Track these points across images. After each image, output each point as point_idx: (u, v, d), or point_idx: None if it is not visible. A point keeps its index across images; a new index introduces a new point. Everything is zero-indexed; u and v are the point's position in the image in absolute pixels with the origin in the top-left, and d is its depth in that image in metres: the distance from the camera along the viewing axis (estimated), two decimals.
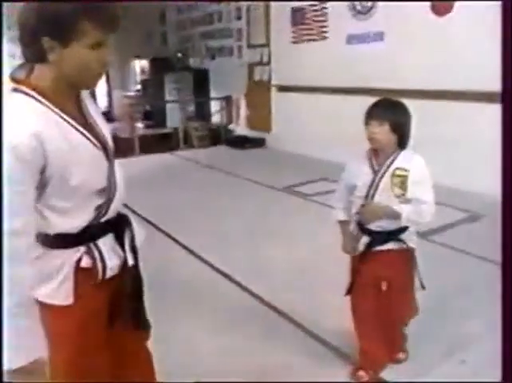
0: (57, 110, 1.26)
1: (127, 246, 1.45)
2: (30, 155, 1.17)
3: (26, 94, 1.23)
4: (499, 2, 4.47)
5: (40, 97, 1.24)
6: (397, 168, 1.98)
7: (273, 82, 7.90)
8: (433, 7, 5.24)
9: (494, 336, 2.46)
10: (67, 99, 1.31)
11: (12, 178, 1.15)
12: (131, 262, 1.46)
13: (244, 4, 8.40)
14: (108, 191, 1.37)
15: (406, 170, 1.97)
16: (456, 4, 4.99)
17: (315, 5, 6.80)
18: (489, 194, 4.50)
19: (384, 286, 2.09)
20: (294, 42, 7.31)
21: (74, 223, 1.32)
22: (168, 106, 9.70)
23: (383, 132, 1.98)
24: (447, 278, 3.02)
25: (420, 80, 5.25)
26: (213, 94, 9.73)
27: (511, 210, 1.89)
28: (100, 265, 1.37)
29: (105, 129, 1.41)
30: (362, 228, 2.09)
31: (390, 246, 2.06)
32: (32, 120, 1.19)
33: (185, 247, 3.88)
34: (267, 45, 7.94)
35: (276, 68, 7.87)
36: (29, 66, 1.28)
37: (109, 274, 1.40)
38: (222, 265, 3.49)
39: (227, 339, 2.59)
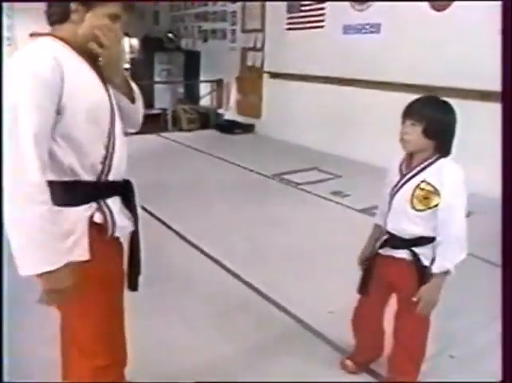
0: (76, 53, 1.40)
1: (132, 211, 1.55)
2: (51, 74, 1.28)
3: (52, 40, 1.39)
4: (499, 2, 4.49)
5: (63, 42, 1.39)
6: (424, 181, 1.77)
7: (266, 68, 7.85)
8: (431, 3, 5.23)
9: (483, 332, 2.52)
10: (87, 55, 1.44)
11: (34, 98, 1.25)
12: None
13: None
14: (108, 145, 1.45)
15: (433, 186, 1.75)
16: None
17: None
18: (477, 192, 4.56)
19: (391, 293, 2.01)
20: (289, 29, 7.25)
21: (85, 160, 1.39)
22: (157, 86, 9.56)
23: (414, 133, 1.74)
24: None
25: (415, 74, 5.26)
26: (203, 77, 9.63)
27: (511, 210, 1.89)
28: (110, 221, 1.45)
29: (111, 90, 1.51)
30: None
31: (403, 255, 1.88)
32: (53, 48, 1.35)
33: (173, 230, 3.86)
34: (262, 30, 7.87)
35: (269, 54, 7.81)
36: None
37: (119, 233, 1.50)
38: (210, 250, 3.49)
39: (220, 329, 2.58)
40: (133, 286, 1.64)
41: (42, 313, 1.58)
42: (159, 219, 4.06)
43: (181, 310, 2.71)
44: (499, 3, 4.51)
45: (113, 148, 1.46)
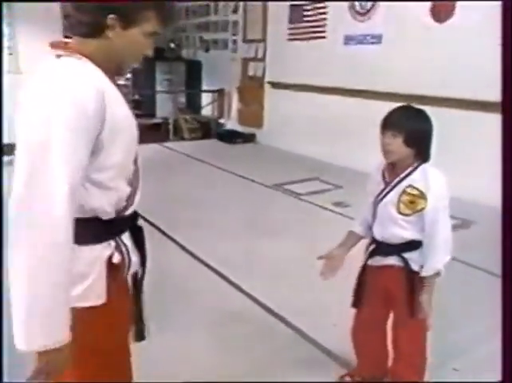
0: (107, 78, 1.25)
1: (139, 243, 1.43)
2: (94, 109, 1.13)
3: (79, 59, 1.22)
4: (500, 10, 4.50)
5: (92, 63, 1.24)
6: (410, 186, 1.81)
7: (267, 78, 7.87)
8: (433, 13, 5.25)
9: (485, 344, 2.49)
10: (111, 74, 1.31)
11: (75, 130, 1.10)
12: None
13: None
14: (133, 180, 1.34)
15: (419, 190, 1.80)
16: (456, 11, 5.01)
17: (314, 4, 6.78)
18: (479, 202, 4.55)
19: (385, 302, 2.00)
20: (291, 39, 7.28)
21: (111, 200, 1.26)
22: (158, 96, 9.59)
23: (396, 144, 1.78)
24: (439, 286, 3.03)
25: (416, 85, 5.26)
26: (205, 87, 9.65)
27: (511, 220, 1.88)
28: (127, 259, 1.34)
29: None
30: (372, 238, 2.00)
31: (392, 261, 1.92)
32: (94, 76, 1.20)
33: (172, 240, 3.84)
34: (263, 40, 7.90)
35: (270, 64, 7.83)
36: (62, 42, 1.28)
37: (132, 270, 1.39)
38: (210, 259, 3.47)
39: (217, 339, 2.56)
40: (139, 336, 1.51)
41: None
42: (157, 228, 4.04)
43: (177, 320, 2.69)
44: (500, 13, 4.54)
45: (137, 182, 1.36)
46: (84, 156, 1.13)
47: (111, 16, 1.21)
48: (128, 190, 1.32)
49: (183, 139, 8.50)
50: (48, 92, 1.11)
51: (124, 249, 1.33)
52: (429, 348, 2.02)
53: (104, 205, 1.25)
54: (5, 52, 6.79)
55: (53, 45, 1.26)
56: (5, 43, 6.73)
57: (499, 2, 4.53)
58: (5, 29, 6.68)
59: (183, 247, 3.74)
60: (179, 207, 4.63)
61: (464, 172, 4.81)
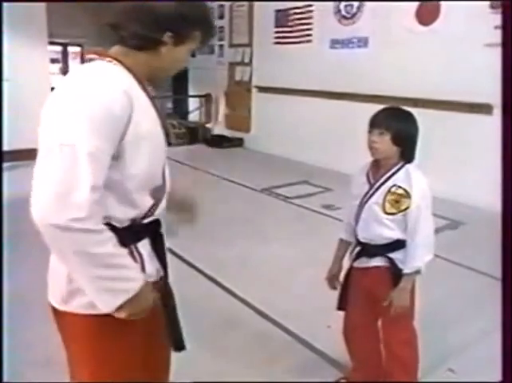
0: (141, 87, 1.27)
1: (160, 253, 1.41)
2: (120, 111, 1.14)
3: (109, 61, 1.25)
4: (486, 13, 4.56)
5: (129, 72, 1.25)
6: (394, 185, 1.85)
7: (254, 83, 7.89)
8: (417, 16, 5.30)
9: (480, 345, 2.50)
10: (146, 84, 1.33)
11: (100, 133, 1.10)
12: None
13: (227, 3, 8.35)
14: (157, 193, 1.33)
15: (404, 189, 1.83)
16: (441, 14, 5.06)
17: (300, 8, 6.81)
18: (466, 203, 4.59)
19: (372, 303, 2.00)
20: (277, 43, 7.30)
21: (129, 212, 1.26)
22: None
23: (383, 142, 1.83)
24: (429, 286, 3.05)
25: (402, 88, 5.30)
26: (192, 92, 9.64)
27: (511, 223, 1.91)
28: (140, 268, 1.30)
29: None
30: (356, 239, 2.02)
31: (378, 262, 1.94)
32: (123, 80, 1.21)
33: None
34: (249, 45, 7.91)
35: (257, 68, 7.85)
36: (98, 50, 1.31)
37: (148, 280, 1.32)
38: (201, 264, 3.46)
39: (213, 344, 2.54)
40: (178, 345, 1.50)
41: (42, 313, 1.54)
42: None
43: None
44: (484, 17, 4.60)
45: (162, 195, 1.35)
46: (108, 157, 1.13)
47: (168, 34, 1.27)
48: (149, 203, 1.30)
49: (170, 144, 8.41)
50: (76, 94, 1.13)
51: (137, 256, 1.30)
52: (423, 349, 2.03)
53: (120, 215, 1.24)
54: None
55: (88, 52, 1.31)
56: None
57: (484, 3, 4.60)
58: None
59: (172, 252, 3.70)
60: (167, 213, 4.59)
61: (452, 174, 4.86)
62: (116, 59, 1.25)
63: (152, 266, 1.36)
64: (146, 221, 1.32)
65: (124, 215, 1.25)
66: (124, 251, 1.22)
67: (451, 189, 4.61)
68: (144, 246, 1.33)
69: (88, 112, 1.10)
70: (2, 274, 1.14)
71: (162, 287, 1.43)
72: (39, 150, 1.11)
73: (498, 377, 1.68)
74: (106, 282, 1.17)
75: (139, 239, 1.32)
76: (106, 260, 1.15)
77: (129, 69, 1.25)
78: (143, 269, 1.31)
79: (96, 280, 1.16)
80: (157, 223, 1.38)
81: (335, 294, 2.14)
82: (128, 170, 1.19)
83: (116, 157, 1.16)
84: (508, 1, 2.51)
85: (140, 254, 1.31)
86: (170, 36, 1.27)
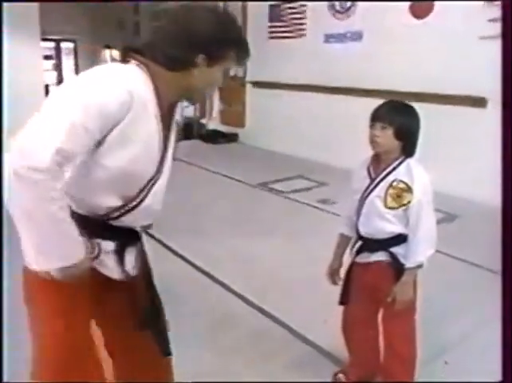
0: (155, 100, 1.27)
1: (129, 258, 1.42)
2: (116, 106, 1.17)
3: (142, 70, 1.28)
4: (480, 6, 4.56)
5: (151, 80, 1.27)
6: (396, 180, 1.84)
7: (248, 78, 7.86)
8: (411, 10, 5.30)
9: (476, 337, 2.52)
10: (166, 105, 1.33)
11: (90, 115, 1.14)
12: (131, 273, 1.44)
13: None
14: (132, 202, 1.34)
15: (405, 184, 1.83)
16: (435, 7, 5.06)
17: (293, 2, 6.79)
18: (460, 196, 4.60)
19: (374, 298, 2.00)
20: (271, 38, 7.28)
21: (89, 200, 1.29)
22: None
23: (385, 136, 1.82)
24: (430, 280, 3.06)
25: (397, 81, 5.29)
26: None
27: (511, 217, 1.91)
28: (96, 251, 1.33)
29: (171, 150, 1.42)
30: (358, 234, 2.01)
31: (379, 257, 1.94)
32: (137, 82, 1.24)
33: (159, 241, 3.81)
34: None
35: (251, 63, 7.80)
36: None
37: (103, 270, 1.37)
38: (197, 260, 3.45)
39: (210, 341, 2.54)
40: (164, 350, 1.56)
41: None
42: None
43: (170, 323, 2.66)
44: (479, 10, 4.60)
45: (134, 207, 1.35)
46: (88, 138, 1.16)
47: (201, 56, 1.28)
48: (112, 204, 1.32)
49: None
50: (85, 81, 1.21)
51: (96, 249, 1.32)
52: (420, 341, 2.03)
53: (81, 201, 1.29)
54: None
55: (126, 55, 1.31)
56: None
57: None
58: None
59: (167, 248, 3.71)
60: (163, 209, 4.58)
61: (449, 168, 4.86)
62: (147, 66, 1.28)
63: (109, 261, 1.38)
64: (114, 224, 1.34)
65: (85, 202, 1.29)
66: (73, 224, 1.21)
67: (448, 183, 4.63)
68: (107, 247, 1.36)
69: (86, 96, 1.16)
70: (2, 273, 1.14)
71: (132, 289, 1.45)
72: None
73: (494, 369, 1.69)
74: (46, 243, 1.17)
75: (102, 238, 1.34)
76: (54, 220, 1.15)
77: (153, 79, 1.27)
78: (98, 252, 1.34)
79: (38, 237, 1.16)
80: (130, 233, 1.41)
81: (332, 289, 2.14)
82: (102, 159, 1.23)
83: (97, 144, 1.20)
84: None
85: (98, 244, 1.34)
86: (203, 58, 1.28)
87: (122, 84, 1.20)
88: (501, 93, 2.29)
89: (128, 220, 1.37)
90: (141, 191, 1.35)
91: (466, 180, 4.64)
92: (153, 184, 1.37)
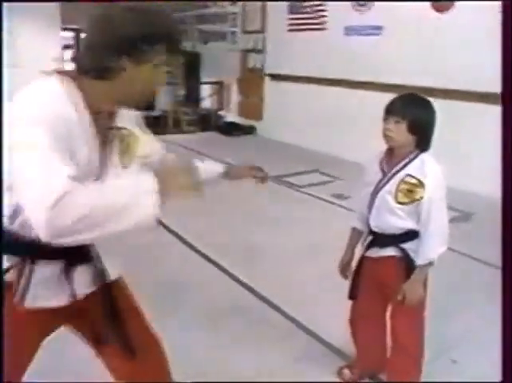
0: (86, 113, 1.21)
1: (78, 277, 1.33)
2: (57, 131, 1.11)
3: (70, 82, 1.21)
4: (499, 2, 4.47)
5: (79, 93, 1.21)
6: (408, 175, 1.81)
7: (267, 70, 7.84)
8: (433, 4, 5.22)
9: (483, 335, 2.49)
10: (104, 114, 1.27)
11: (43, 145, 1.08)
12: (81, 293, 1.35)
13: None
14: None
15: (417, 179, 1.80)
16: (457, 1, 4.98)
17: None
18: (479, 193, 4.54)
19: (383, 293, 2.00)
20: (290, 31, 7.23)
21: (21, 223, 1.21)
22: None
23: (399, 131, 1.79)
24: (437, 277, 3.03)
25: (416, 76, 5.23)
26: (204, 79, 9.61)
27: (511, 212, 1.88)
28: (22, 284, 1.25)
29: (115, 164, 1.32)
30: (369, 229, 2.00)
31: (391, 252, 1.91)
32: (61, 100, 1.17)
33: (170, 230, 3.84)
34: (262, 32, 7.85)
35: (270, 56, 7.79)
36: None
37: (30, 303, 1.27)
38: (209, 250, 3.48)
39: (217, 331, 2.55)
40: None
41: None
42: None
43: (176, 313, 2.68)
44: (500, 5, 4.51)
45: None
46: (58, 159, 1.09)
47: (125, 58, 1.20)
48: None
49: (182, 131, 8.47)
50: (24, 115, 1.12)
51: (25, 275, 1.25)
52: (426, 339, 2.02)
53: (19, 224, 1.21)
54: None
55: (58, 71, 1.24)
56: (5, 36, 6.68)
57: None
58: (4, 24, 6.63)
59: (179, 237, 3.73)
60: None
61: (466, 164, 4.80)
62: (74, 79, 1.21)
63: (45, 290, 1.29)
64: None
65: (19, 224, 1.21)
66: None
67: (461, 179, 4.57)
68: (43, 268, 1.27)
69: (36, 135, 1.08)
70: (2, 273, 1.14)
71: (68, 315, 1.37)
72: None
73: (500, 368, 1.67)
74: (128, 203, 1.09)
75: (39, 258, 1.26)
76: (107, 193, 1.10)
77: (82, 92, 1.21)
78: (24, 291, 1.25)
79: (123, 211, 1.09)
80: (85, 254, 1.33)
81: (340, 283, 2.13)
82: None
83: None
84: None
85: (31, 272, 1.25)
86: (127, 59, 1.21)
87: (50, 108, 1.13)
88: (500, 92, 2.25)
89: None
90: None
91: (480, 177, 4.58)
92: None
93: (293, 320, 2.66)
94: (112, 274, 1.43)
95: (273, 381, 2.17)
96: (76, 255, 1.31)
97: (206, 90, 9.53)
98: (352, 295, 2.08)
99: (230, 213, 4.29)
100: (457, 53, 4.95)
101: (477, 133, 4.81)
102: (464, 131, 4.90)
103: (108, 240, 1.27)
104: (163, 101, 9.30)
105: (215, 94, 9.20)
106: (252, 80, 8.17)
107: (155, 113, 9.38)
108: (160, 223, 3.99)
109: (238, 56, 8.48)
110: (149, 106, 9.53)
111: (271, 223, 4.08)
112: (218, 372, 2.20)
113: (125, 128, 1.33)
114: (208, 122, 8.77)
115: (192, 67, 9.63)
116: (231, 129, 8.23)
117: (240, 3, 8.33)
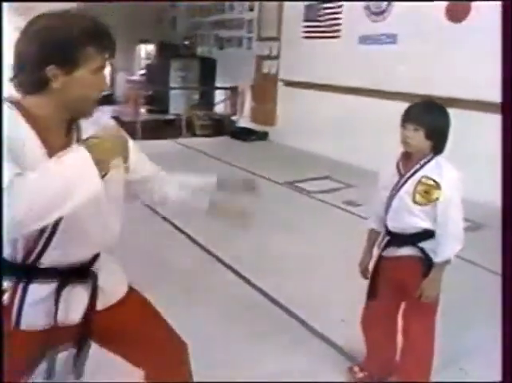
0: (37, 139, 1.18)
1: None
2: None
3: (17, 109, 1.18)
4: None
5: (26, 121, 1.17)
6: (424, 176, 1.88)
7: (281, 76, 7.88)
8: (448, 13, 5.22)
9: (493, 345, 2.48)
10: (56, 131, 1.23)
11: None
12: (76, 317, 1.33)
13: None
14: (42, 238, 1.22)
15: (434, 181, 1.86)
16: (472, 10, 4.98)
17: (330, 3, 6.77)
18: (489, 204, 4.51)
19: (399, 292, 2.02)
20: (305, 38, 7.27)
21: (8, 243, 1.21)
22: (172, 92, 9.65)
23: (417, 137, 1.86)
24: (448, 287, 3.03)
25: (431, 85, 5.23)
26: (219, 84, 9.68)
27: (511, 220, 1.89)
28: (15, 307, 1.25)
29: None
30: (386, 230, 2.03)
31: (409, 251, 1.96)
32: (10, 132, 1.10)
33: (180, 231, 3.87)
34: (278, 38, 7.90)
35: (285, 62, 7.83)
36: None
37: (24, 326, 1.27)
38: (221, 254, 3.51)
39: (228, 334, 2.57)
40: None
41: None
42: (167, 220, 4.07)
43: (187, 315, 2.70)
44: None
45: (46, 243, 1.23)
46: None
47: (49, 67, 1.14)
48: (24, 245, 1.22)
49: (195, 135, 8.52)
50: None
51: (18, 298, 1.25)
52: (436, 347, 2.02)
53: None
54: None
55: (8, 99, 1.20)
56: None
57: None
58: None
59: (193, 240, 3.76)
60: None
61: (477, 173, 4.77)
62: (18, 104, 1.17)
63: (38, 312, 1.28)
64: (41, 265, 1.25)
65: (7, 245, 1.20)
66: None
67: (472, 189, 4.56)
68: (36, 290, 1.26)
69: None
70: (2, 274, 1.16)
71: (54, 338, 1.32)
72: None
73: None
74: (63, 178, 1.04)
75: (31, 279, 1.25)
76: (43, 176, 1.03)
77: (41, 116, 1.18)
78: (18, 313, 1.26)
79: (60, 187, 1.03)
80: (83, 272, 1.32)
81: (351, 288, 2.15)
82: None
83: None
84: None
85: (23, 295, 1.25)
86: (54, 69, 1.14)
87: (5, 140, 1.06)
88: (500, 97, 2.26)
89: (55, 255, 1.25)
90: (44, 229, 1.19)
91: (495, 187, 4.55)
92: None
93: (303, 323, 2.67)
94: (118, 292, 1.43)
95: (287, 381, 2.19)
96: (71, 275, 1.30)
97: (220, 95, 9.59)
98: (372, 295, 2.08)
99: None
100: (474, 62, 4.93)
101: (494, 144, 4.78)
102: (481, 141, 4.87)
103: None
104: (178, 105, 9.39)
105: (229, 99, 9.25)
106: (266, 86, 8.21)
107: (169, 117, 9.47)
108: (171, 223, 4.04)
109: (253, 62, 8.53)
110: (162, 109, 9.63)
111: (282, 228, 4.09)
112: (231, 373, 2.21)
113: (94, 137, 1.13)
114: (221, 127, 8.82)
115: (207, 72, 9.73)
116: (244, 134, 8.27)
117: (256, 10, 8.39)
